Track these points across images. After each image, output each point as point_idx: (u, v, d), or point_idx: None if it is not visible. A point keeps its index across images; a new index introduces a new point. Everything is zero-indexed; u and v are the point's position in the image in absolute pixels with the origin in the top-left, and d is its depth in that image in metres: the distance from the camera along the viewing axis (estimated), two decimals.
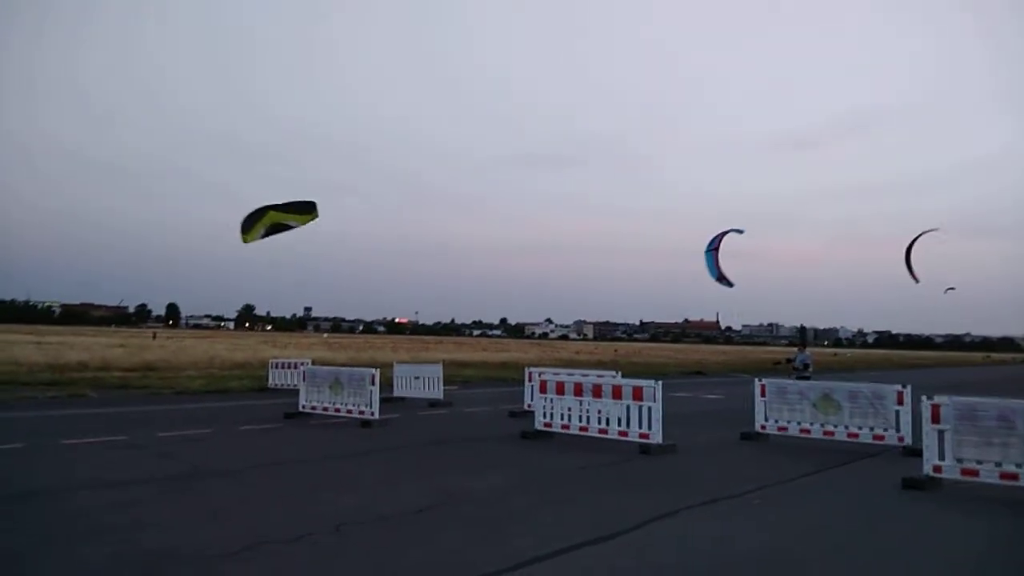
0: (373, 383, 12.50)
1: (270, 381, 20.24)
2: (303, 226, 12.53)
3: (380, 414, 12.73)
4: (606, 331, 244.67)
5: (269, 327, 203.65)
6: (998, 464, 7.38)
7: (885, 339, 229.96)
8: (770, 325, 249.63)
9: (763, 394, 11.89)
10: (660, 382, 10.19)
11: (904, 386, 10.63)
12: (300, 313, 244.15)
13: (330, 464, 8.98)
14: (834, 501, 7.37)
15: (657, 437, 10.04)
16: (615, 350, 76.79)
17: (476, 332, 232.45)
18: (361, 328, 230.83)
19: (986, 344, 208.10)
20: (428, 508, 6.54)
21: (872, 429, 10.76)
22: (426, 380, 17.11)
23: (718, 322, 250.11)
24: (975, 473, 7.49)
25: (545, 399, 11.37)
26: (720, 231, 19.97)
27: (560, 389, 11.19)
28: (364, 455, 9.70)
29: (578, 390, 10.94)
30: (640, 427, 10.24)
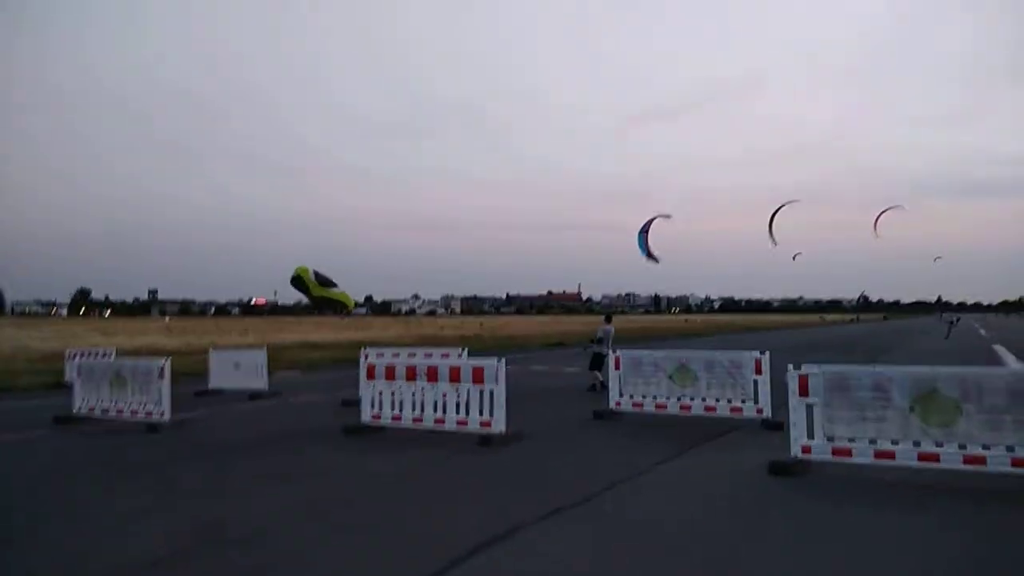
0: (162, 376, 10.24)
1: (67, 375, 17.07)
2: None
3: (179, 413, 10.52)
4: (474, 305, 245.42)
5: (108, 312, 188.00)
6: (872, 441, 6.54)
7: (729, 304, 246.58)
8: (627, 295, 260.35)
9: (617, 367, 10.83)
10: (503, 360, 8.77)
11: (762, 353, 9.87)
12: (144, 297, 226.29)
13: (66, 489, 6.82)
14: (693, 500, 6.22)
15: (499, 425, 8.63)
16: (480, 324, 76.12)
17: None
18: (213, 311, 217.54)
19: (818, 306, 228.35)
20: (169, 557, 4.69)
21: (730, 401, 9.95)
22: (247, 368, 14.83)
23: (579, 294, 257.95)
24: (848, 453, 6.61)
25: (373, 386, 9.66)
26: (651, 216, 22.87)
27: (390, 374, 9.50)
28: (124, 473, 7.56)
29: (411, 374, 9.31)
30: (481, 414, 8.79)
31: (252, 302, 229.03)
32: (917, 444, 6.38)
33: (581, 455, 8.15)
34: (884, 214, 43.25)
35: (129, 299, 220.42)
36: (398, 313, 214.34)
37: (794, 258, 44.64)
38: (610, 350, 13.56)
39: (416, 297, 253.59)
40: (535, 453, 8.18)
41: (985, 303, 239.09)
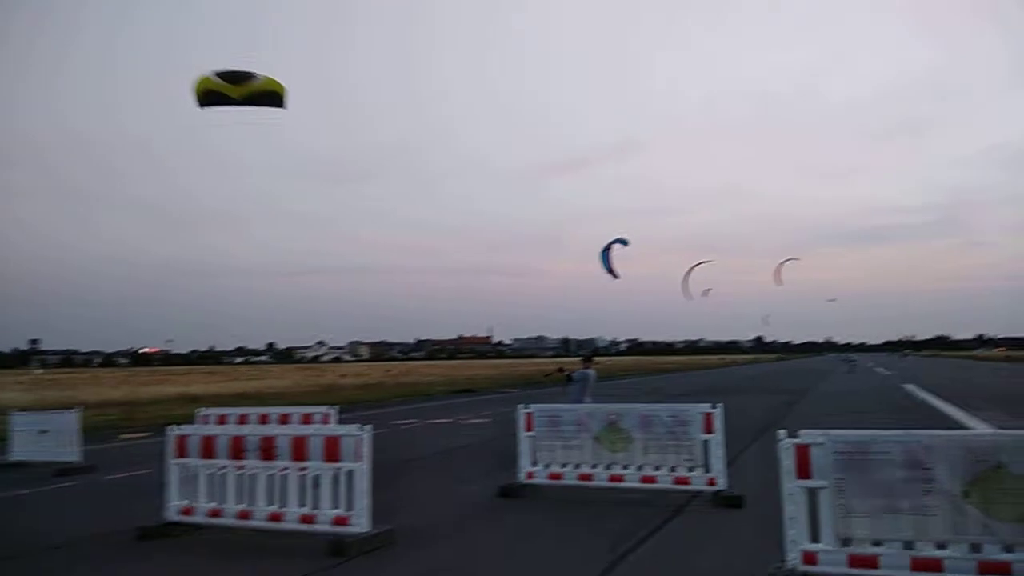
0: None
1: None
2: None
3: None
4: (382, 351, 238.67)
5: None
6: (909, 546, 4.34)
7: (635, 347, 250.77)
8: (538, 337, 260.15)
9: (529, 427, 8.38)
10: (367, 428, 6.13)
11: (713, 406, 7.67)
12: (24, 346, 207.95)
13: None
14: None
15: (361, 522, 5.95)
16: (387, 370, 72.43)
17: (239, 360, 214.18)
18: (99, 361, 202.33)
19: (718, 347, 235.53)
20: None
21: (674, 469, 7.66)
22: (56, 435, 11.46)
23: (490, 337, 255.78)
24: (873, 564, 4.37)
25: (184, 468, 6.79)
26: (611, 240, 24.42)
27: (208, 449, 6.67)
28: None
29: (237, 449, 6.51)
30: (335, 506, 6.10)
31: (143, 351, 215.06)
32: (977, 550, 4.23)
33: (475, 570, 5.59)
34: (784, 264, 50.09)
35: (7, 349, 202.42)
36: (302, 360, 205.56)
37: (705, 293, 45.25)
38: (587, 399, 11.09)
39: (321, 343, 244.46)
40: (409, 568, 5.56)
41: (870, 343, 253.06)
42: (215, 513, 6.57)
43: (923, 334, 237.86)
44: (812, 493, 4.62)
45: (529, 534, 6.60)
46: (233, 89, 8.30)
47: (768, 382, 38.91)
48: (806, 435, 4.67)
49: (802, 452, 4.65)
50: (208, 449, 6.67)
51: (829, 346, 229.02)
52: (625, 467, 7.84)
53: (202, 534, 6.62)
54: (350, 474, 6.02)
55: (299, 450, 6.25)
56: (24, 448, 11.67)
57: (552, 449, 8.23)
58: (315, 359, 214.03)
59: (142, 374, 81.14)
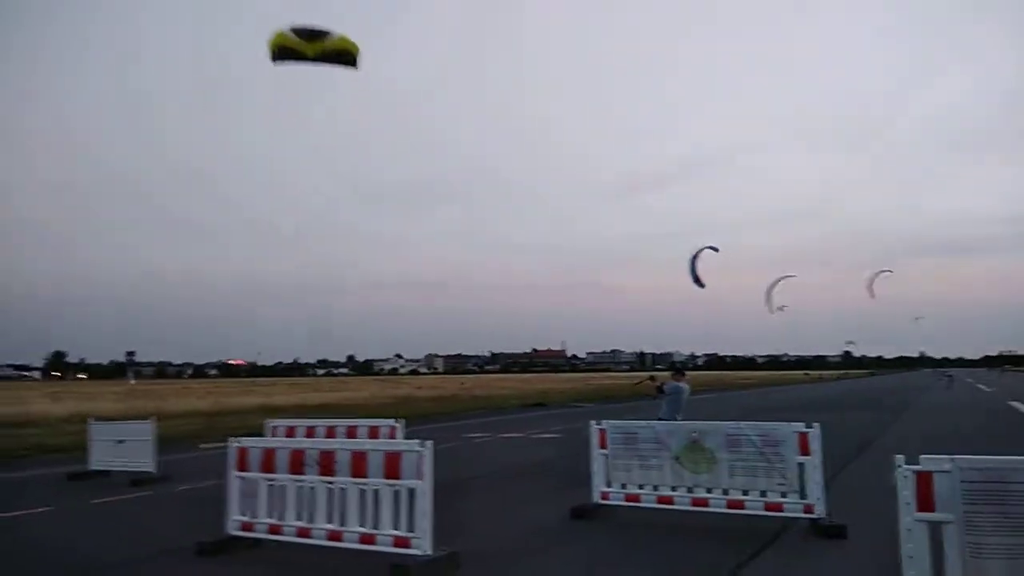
0: None
1: None
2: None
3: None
4: (457, 364, 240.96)
5: (82, 375, 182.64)
6: None
7: (714, 361, 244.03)
8: (612, 351, 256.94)
9: (603, 444, 7.84)
10: (429, 444, 5.76)
11: (809, 426, 6.94)
12: (122, 359, 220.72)
13: None
14: None
15: (422, 544, 5.57)
16: (461, 383, 72.75)
17: (321, 371, 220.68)
18: (190, 372, 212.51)
19: (802, 362, 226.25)
20: None
21: (764, 494, 6.97)
22: (132, 444, 11.63)
23: (564, 350, 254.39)
24: None
25: (244, 481, 6.59)
26: (700, 247, 25.48)
27: (268, 463, 6.45)
28: None
29: (296, 463, 6.27)
30: (396, 527, 5.74)
31: (231, 363, 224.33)
32: None
33: None
34: (877, 276, 49.13)
35: (105, 361, 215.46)
36: (380, 372, 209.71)
37: (781, 309, 43.40)
38: (679, 415, 10.37)
39: (399, 356, 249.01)
40: None
41: (967, 358, 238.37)
42: (275, 529, 6.33)
43: (1023, 349, 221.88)
44: (935, 528, 3.94)
45: (605, 562, 6.06)
46: (308, 46, 8.19)
47: (860, 398, 36.77)
48: (928, 461, 3.99)
49: (924, 481, 3.97)
50: (268, 463, 6.45)
51: (923, 361, 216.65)
52: (709, 490, 7.20)
53: (262, 550, 6.40)
54: (411, 492, 5.65)
55: (359, 466, 5.93)
56: (103, 457, 11.90)
57: (628, 469, 7.67)
58: (393, 371, 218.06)
59: (229, 385, 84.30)
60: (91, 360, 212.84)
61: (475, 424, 22.81)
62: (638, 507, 7.50)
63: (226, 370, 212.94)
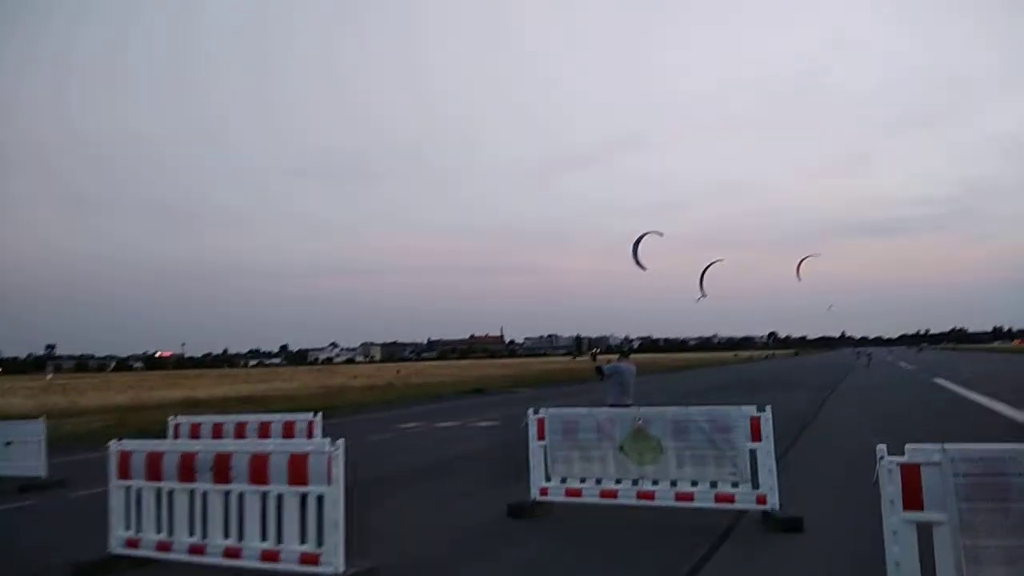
0: None
1: None
2: None
3: None
4: (394, 352, 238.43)
5: None
6: None
7: (648, 344, 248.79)
8: (549, 336, 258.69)
9: (541, 435, 7.20)
10: (340, 443, 4.96)
11: (761, 409, 6.44)
12: (40, 352, 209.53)
13: None
14: None
15: (333, 560, 4.78)
16: (397, 371, 71.51)
17: (253, 362, 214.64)
18: (114, 366, 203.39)
19: (731, 343, 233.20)
20: None
21: (714, 485, 6.45)
22: (21, 446, 10.38)
23: (502, 336, 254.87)
24: None
25: (127, 489, 5.65)
26: (644, 231, 25.75)
27: (154, 469, 5.52)
28: None
29: (186, 469, 5.36)
30: (304, 540, 4.94)
31: (157, 355, 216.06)
32: None
33: None
34: (804, 260, 50.45)
35: (23, 354, 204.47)
36: (314, 362, 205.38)
37: (701, 298, 44.07)
38: (629, 398, 9.73)
39: (334, 345, 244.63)
40: None
41: (886, 337, 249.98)
42: (164, 546, 5.43)
43: (938, 327, 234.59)
44: (926, 528, 3.41)
45: (544, 568, 5.41)
46: None
47: (790, 378, 37.54)
48: (915, 451, 3.45)
49: (910, 475, 3.43)
50: (154, 469, 5.52)
51: (844, 340, 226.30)
52: (656, 482, 6.64)
53: (148, 570, 5.49)
54: (319, 500, 4.86)
55: (258, 470, 5.09)
56: None
57: (569, 461, 7.05)
58: (328, 361, 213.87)
59: (153, 378, 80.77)
60: (8, 354, 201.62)
61: (410, 414, 21.99)
62: (580, 503, 6.89)
63: (152, 363, 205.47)
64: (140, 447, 5.69)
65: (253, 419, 8.67)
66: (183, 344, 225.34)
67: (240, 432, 8.52)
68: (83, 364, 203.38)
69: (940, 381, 28.32)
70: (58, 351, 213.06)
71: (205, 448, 5.42)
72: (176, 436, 8.85)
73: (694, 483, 6.51)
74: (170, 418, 9.05)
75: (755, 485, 6.28)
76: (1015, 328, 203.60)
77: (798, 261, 51.04)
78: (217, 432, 8.61)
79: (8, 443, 10.55)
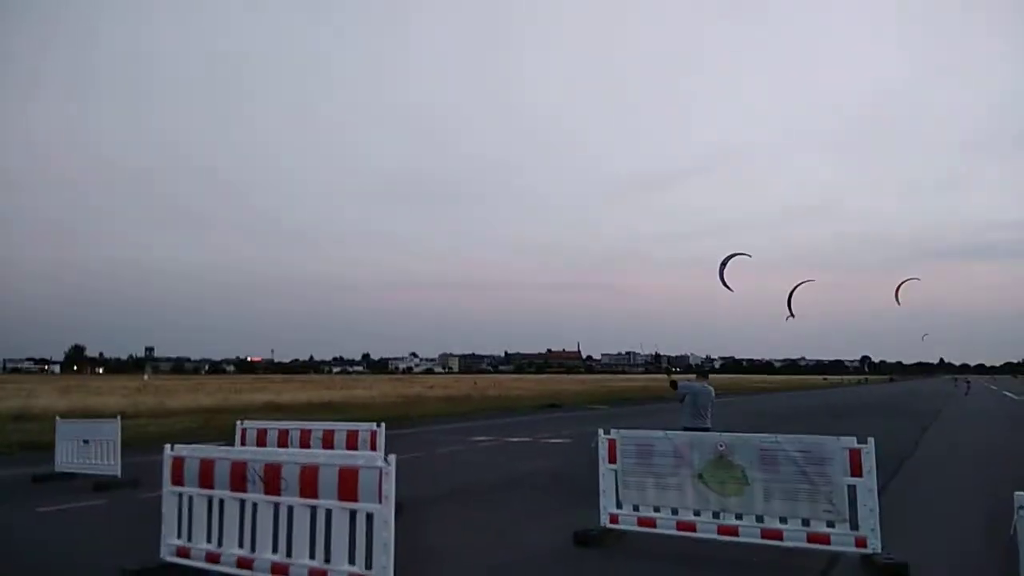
0: None
1: None
2: None
3: None
4: (472, 363, 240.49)
5: (101, 370, 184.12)
6: None
7: (731, 364, 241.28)
8: (628, 353, 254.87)
9: (612, 458, 6.68)
10: (393, 458, 4.62)
11: (862, 441, 5.73)
12: (141, 354, 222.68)
13: None
14: None
15: None
16: (475, 383, 71.80)
17: (336, 369, 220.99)
18: (207, 368, 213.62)
19: (819, 367, 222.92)
20: None
21: (806, 523, 5.77)
22: (97, 445, 10.62)
23: (579, 351, 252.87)
24: None
25: (180, 496, 5.51)
26: (732, 252, 25.02)
27: (207, 476, 5.36)
28: None
29: (237, 478, 5.17)
30: (352, 559, 4.62)
31: (248, 359, 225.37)
32: None
33: None
34: (903, 284, 48.20)
35: (124, 356, 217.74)
36: (395, 371, 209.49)
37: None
38: (706, 420, 9.18)
39: (414, 355, 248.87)
40: None
41: (987, 364, 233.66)
42: (213, 557, 5.23)
43: None
44: None
45: None
46: None
47: (884, 404, 35.25)
48: None
49: None
50: (206, 476, 5.35)
51: (943, 367, 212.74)
52: (739, 516, 6.01)
53: None
54: (368, 518, 4.53)
55: (308, 483, 4.82)
56: (68, 459, 10.92)
57: (642, 487, 6.50)
58: (407, 370, 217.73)
59: (243, 381, 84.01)
60: (110, 355, 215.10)
61: (483, 426, 21.70)
62: (653, 533, 6.33)
63: (243, 366, 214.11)
64: (193, 453, 5.54)
65: (318, 427, 8.51)
66: (272, 350, 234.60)
67: (305, 440, 8.38)
68: (179, 366, 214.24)
69: None
70: (156, 353, 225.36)
71: (255, 457, 5.20)
72: (243, 441, 8.81)
73: (783, 520, 5.84)
74: (238, 422, 9.01)
75: (854, 525, 5.57)
76: None
77: (896, 285, 48.60)
78: (283, 439, 8.50)
79: (85, 441, 10.82)
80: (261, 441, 8.62)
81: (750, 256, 25.33)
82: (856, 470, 5.64)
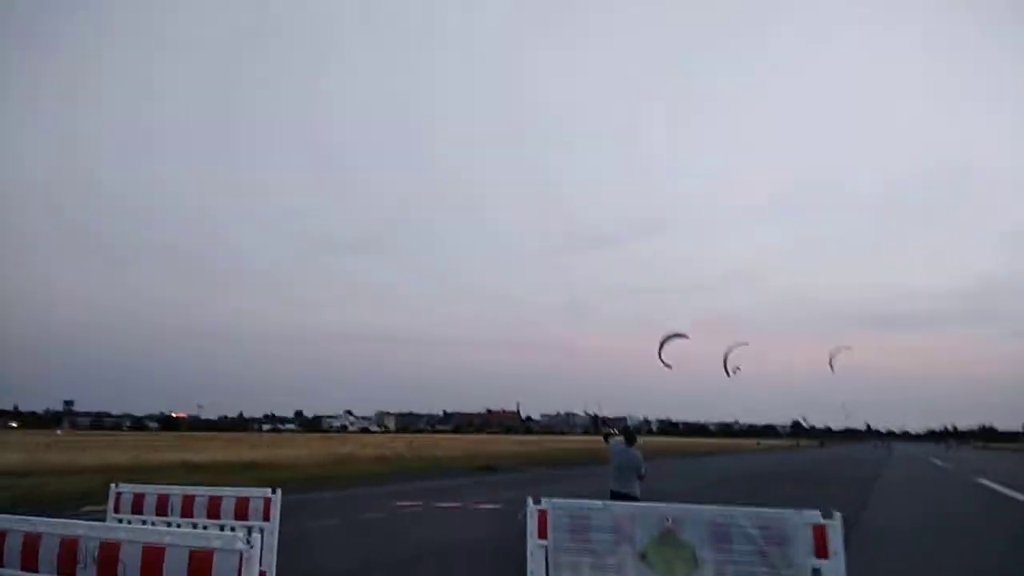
0: None
1: None
2: None
3: None
4: (410, 422, 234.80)
5: (14, 423, 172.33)
6: None
7: (667, 426, 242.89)
8: (567, 414, 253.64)
9: (542, 532, 5.75)
10: (257, 539, 3.61)
11: (828, 515, 4.97)
12: (59, 407, 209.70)
13: None
14: None
15: None
16: (410, 442, 69.38)
17: (267, 427, 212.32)
18: (129, 424, 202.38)
19: (752, 431, 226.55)
20: None
21: None
22: None
23: (518, 412, 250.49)
24: None
25: None
26: (671, 332, 25.95)
27: (29, 557, 4.21)
28: None
29: (67, 559, 4.04)
30: None
31: (172, 415, 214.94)
32: None
33: None
34: (836, 353, 51.28)
35: (41, 409, 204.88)
36: (329, 429, 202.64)
37: (736, 371, 42.26)
38: (633, 487, 8.39)
39: (349, 413, 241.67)
40: None
41: (911, 431, 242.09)
42: None
43: (965, 424, 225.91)
44: None
45: None
46: None
47: (821, 470, 35.16)
48: None
49: None
50: (29, 555, 4.20)
51: (870, 433, 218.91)
52: None
53: None
54: None
55: (151, 569, 3.75)
56: None
57: (577, 568, 5.57)
58: (342, 428, 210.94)
59: (164, 439, 79.40)
60: (27, 407, 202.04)
61: (412, 490, 20.33)
62: None
63: (167, 423, 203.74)
64: (17, 526, 4.38)
65: (203, 492, 7.30)
66: (199, 406, 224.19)
67: (187, 507, 7.17)
68: (99, 422, 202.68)
69: (984, 481, 26.06)
70: (76, 407, 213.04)
71: (90, 533, 4.09)
72: (117, 508, 7.53)
73: None
74: (112, 485, 7.72)
75: None
76: None
77: (829, 354, 50.90)
78: (162, 505, 7.27)
79: None
80: (137, 508, 7.37)
81: (688, 338, 26.02)
82: (821, 551, 4.87)
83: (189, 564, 3.65)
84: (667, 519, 5.37)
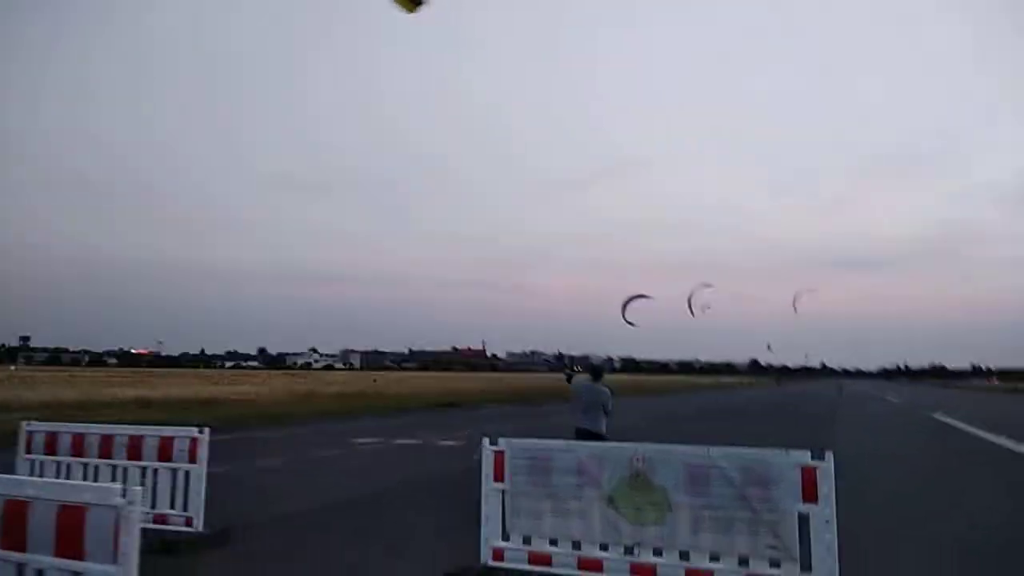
0: None
1: None
2: None
3: None
4: (375, 360, 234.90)
5: None
6: None
7: (630, 365, 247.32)
8: (532, 352, 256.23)
9: (499, 475, 5.18)
10: (137, 492, 3.00)
11: (817, 456, 4.47)
12: (15, 343, 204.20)
13: None
14: None
15: None
16: (374, 380, 69.03)
17: (230, 364, 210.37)
18: (87, 360, 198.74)
19: (712, 369, 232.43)
20: None
21: (744, 563, 4.46)
22: None
23: (484, 350, 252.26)
24: None
25: None
26: (634, 294, 25.42)
27: None
28: None
29: None
30: None
31: (132, 351, 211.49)
32: None
33: None
34: (803, 294, 52.68)
35: None
36: (292, 367, 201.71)
37: (704, 310, 42.58)
38: (599, 423, 7.84)
39: (314, 351, 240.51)
40: None
41: (864, 370, 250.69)
42: None
43: (916, 363, 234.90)
44: None
45: None
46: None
47: (783, 407, 35.68)
48: None
49: None
50: None
51: (825, 371, 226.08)
52: (659, 552, 4.64)
53: None
54: None
55: (15, 528, 3.04)
56: None
57: (537, 513, 5.03)
58: (306, 366, 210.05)
59: (122, 375, 77.81)
60: None
61: (372, 427, 19.84)
62: (548, 573, 4.87)
63: (127, 359, 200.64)
64: None
65: (123, 431, 6.56)
66: (160, 342, 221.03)
67: (106, 448, 6.44)
68: (56, 357, 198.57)
69: (939, 416, 26.62)
70: (33, 343, 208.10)
71: None
72: (29, 448, 6.77)
73: (714, 557, 4.52)
74: (24, 423, 6.93)
75: (805, 566, 4.30)
76: (993, 366, 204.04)
77: (794, 295, 51.71)
78: (77, 446, 6.52)
79: None
80: (50, 449, 6.61)
81: (652, 298, 25.79)
82: (810, 494, 4.36)
83: (57, 524, 2.94)
84: (638, 459, 4.82)
